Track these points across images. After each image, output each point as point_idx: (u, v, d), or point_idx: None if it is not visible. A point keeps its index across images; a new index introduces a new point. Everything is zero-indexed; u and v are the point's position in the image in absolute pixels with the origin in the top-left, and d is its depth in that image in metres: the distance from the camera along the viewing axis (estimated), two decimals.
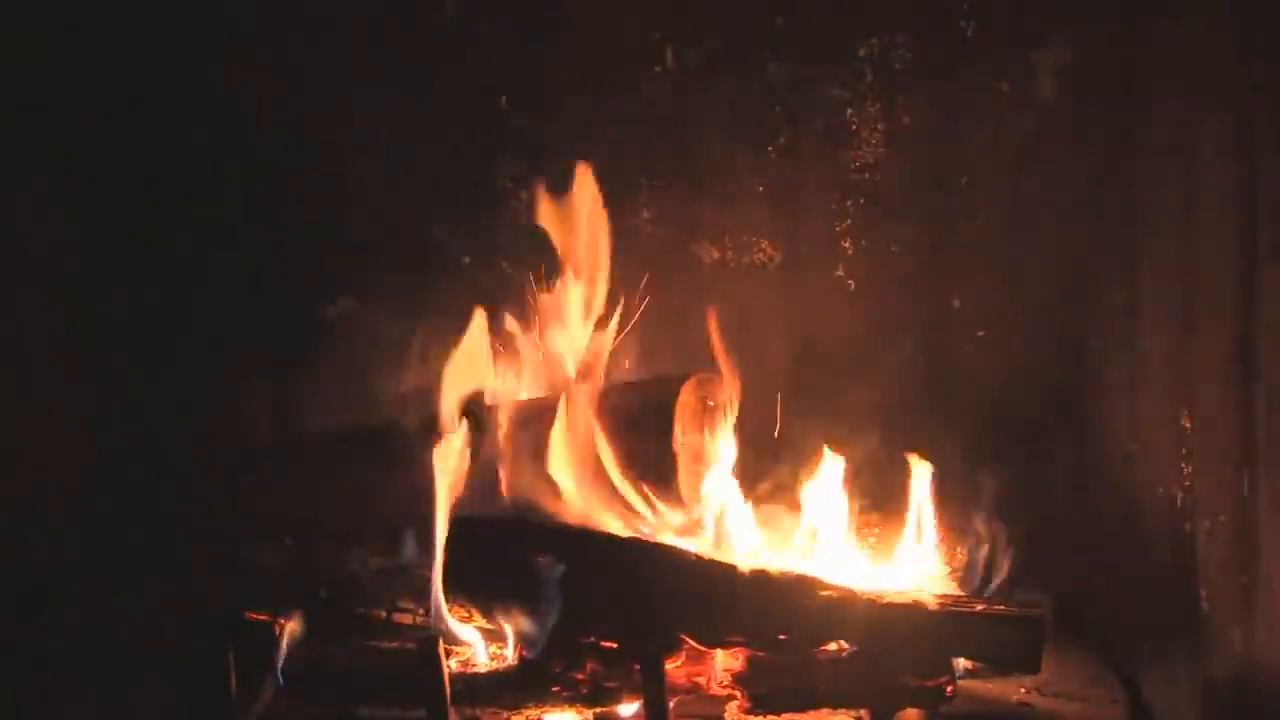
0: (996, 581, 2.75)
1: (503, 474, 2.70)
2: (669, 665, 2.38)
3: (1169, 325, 2.52)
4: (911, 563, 2.74)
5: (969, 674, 2.51)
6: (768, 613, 2.40)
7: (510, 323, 2.87)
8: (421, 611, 2.55)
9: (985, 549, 2.79)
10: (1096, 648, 2.83)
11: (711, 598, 2.41)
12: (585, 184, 2.84)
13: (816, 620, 2.39)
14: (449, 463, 2.59)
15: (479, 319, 2.73)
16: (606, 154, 3.03)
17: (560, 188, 2.91)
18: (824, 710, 2.41)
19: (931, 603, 2.39)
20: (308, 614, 2.54)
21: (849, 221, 3.16)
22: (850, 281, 3.17)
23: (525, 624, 2.46)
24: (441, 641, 2.37)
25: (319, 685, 2.48)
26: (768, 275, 3.19)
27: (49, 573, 2.76)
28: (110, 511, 2.87)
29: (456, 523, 2.52)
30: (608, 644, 2.43)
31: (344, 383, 3.14)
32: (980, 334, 3.14)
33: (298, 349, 3.19)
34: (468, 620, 2.56)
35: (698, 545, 2.65)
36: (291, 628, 2.51)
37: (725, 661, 2.46)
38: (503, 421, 2.74)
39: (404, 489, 2.64)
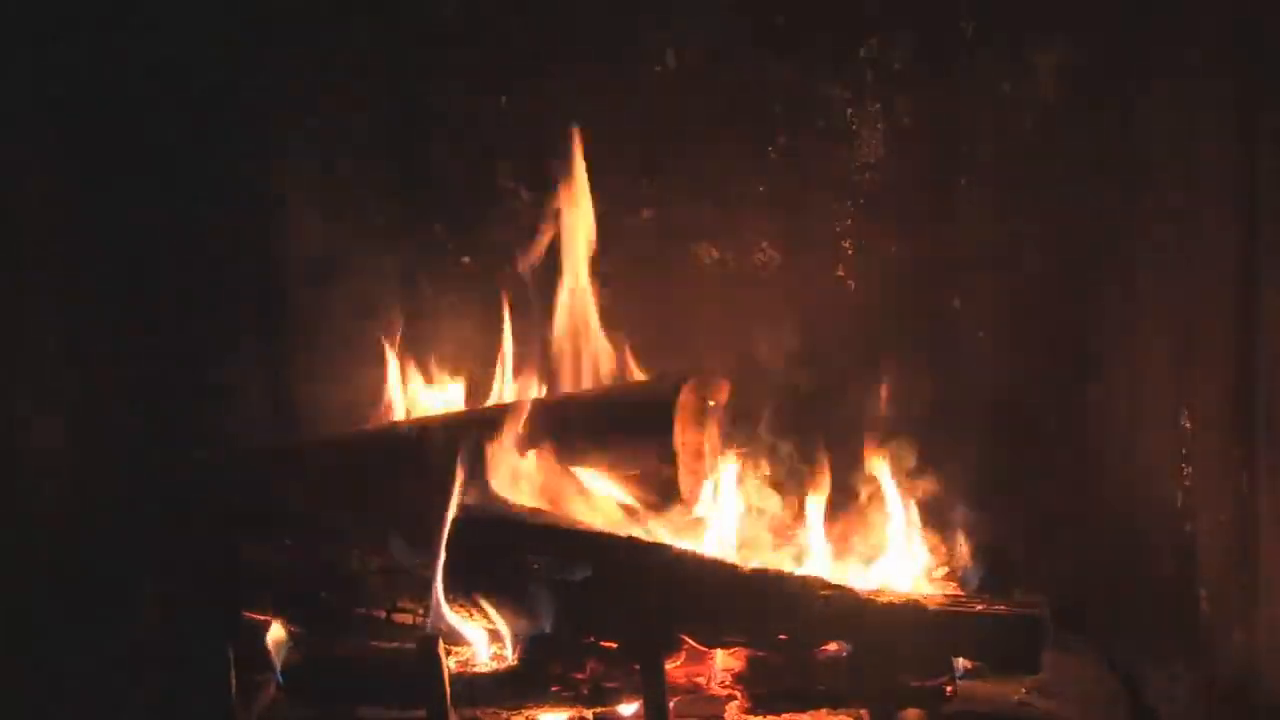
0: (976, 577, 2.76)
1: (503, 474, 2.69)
2: (669, 665, 2.38)
3: (1169, 325, 2.52)
4: (909, 562, 2.74)
5: (969, 674, 2.51)
6: (768, 613, 2.39)
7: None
8: (421, 611, 2.55)
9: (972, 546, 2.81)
10: (1096, 648, 2.83)
11: (711, 598, 2.41)
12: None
13: (816, 620, 2.38)
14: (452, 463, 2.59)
15: None
16: (606, 154, 3.02)
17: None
18: (824, 710, 2.41)
19: (931, 602, 2.39)
20: (308, 614, 2.55)
21: (849, 221, 3.16)
22: (850, 281, 3.17)
23: (524, 624, 2.46)
24: (441, 641, 2.37)
25: (319, 685, 2.48)
26: (768, 275, 3.19)
27: (48, 573, 2.76)
28: (109, 511, 2.87)
29: (457, 523, 2.51)
30: (608, 644, 2.43)
31: (343, 383, 3.13)
32: (980, 334, 3.14)
33: (297, 349, 3.19)
34: (468, 620, 2.55)
35: (698, 545, 2.65)
36: (288, 629, 2.51)
37: (725, 661, 2.46)
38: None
39: (404, 489, 2.64)
